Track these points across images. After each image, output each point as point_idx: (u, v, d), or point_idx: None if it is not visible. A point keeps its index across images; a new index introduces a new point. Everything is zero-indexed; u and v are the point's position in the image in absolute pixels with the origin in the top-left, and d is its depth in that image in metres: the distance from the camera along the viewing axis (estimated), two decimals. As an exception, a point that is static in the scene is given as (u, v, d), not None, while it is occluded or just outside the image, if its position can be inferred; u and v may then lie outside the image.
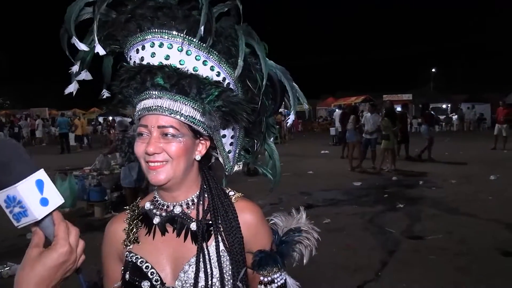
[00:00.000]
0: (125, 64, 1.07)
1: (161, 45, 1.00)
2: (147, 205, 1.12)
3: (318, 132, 29.26)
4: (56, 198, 0.76)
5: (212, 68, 1.03)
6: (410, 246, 5.30)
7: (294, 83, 1.19)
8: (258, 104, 1.12)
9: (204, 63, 1.02)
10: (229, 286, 1.04)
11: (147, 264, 1.05)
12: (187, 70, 1.01)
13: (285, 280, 1.14)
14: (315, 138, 23.68)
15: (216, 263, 1.03)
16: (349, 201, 7.91)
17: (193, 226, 1.06)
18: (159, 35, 1.00)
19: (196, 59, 1.01)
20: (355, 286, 4.18)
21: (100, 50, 1.03)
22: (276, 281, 1.11)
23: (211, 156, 1.18)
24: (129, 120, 8.47)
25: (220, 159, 1.17)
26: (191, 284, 1.02)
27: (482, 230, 5.77)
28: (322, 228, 1.23)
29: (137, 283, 1.04)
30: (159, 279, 1.03)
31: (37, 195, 0.73)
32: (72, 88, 1.11)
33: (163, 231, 1.07)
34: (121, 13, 1.02)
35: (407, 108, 15.29)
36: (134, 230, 1.09)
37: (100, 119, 32.28)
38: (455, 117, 29.92)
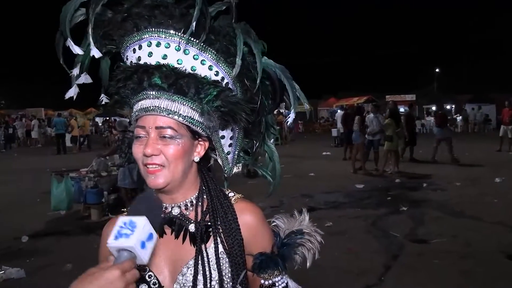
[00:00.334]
0: (122, 64, 1.07)
1: (158, 45, 1.00)
2: None
3: (320, 133, 29.26)
4: (147, 255, 0.85)
5: (210, 68, 1.03)
6: (414, 249, 5.30)
7: (294, 82, 1.18)
8: (257, 104, 1.13)
9: (202, 62, 1.02)
10: None
11: (144, 267, 1.04)
12: (185, 70, 1.01)
13: (287, 283, 1.13)
14: (317, 139, 23.68)
15: (215, 266, 1.03)
16: (352, 203, 7.90)
17: (192, 227, 1.06)
18: (156, 34, 1.00)
19: (194, 58, 1.01)
20: (358, 291, 4.18)
21: (95, 53, 1.03)
22: (277, 284, 1.10)
23: (210, 157, 1.17)
24: (128, 120, 8.48)
25: (219, 160, 1.17)
26: (190, 287, 1.02)
27: (487, 233, 5.77)
28: (324, 232, 1.22)
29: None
30: (156, 282, 1.03)
31: (145, 236, 0.84)
32: (73, 92, 1.12)
33: (161, 233, 1.06)
34: (117, 13, 1.02)
35: (413, 109, 15.28)
36: None
37: (97, 120, 32.28)
38: (459, 118, 29.91)
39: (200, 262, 1.03)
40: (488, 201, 7.61)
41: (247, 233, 1.08)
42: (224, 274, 1.04)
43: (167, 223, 1.07)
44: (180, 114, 1.00)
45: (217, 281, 1.02)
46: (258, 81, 1.07)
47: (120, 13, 1.02)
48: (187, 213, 1.08)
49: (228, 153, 1.17)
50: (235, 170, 1.22)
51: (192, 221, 1.07)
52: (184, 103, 1.01)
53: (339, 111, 19.24)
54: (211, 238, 1.06)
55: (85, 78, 1.11)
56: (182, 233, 1.06)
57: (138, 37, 1.01)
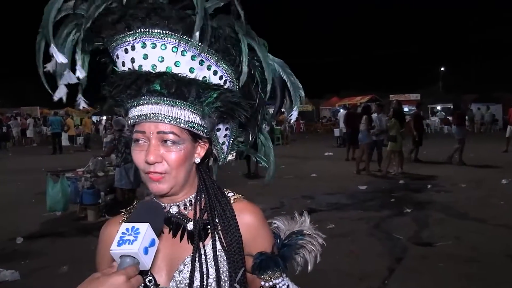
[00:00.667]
0: (115, 68, 1.05)
1: (153, 46, 0.98)
2: None
3: (322, 133, 29.27)
4: (150, 261, 0.88)
5: (209, 67, 1.03)
6: (418, 252, 5.30)
7: (294, 78, 1.17)
8: (255, 100, 1.13)
9: (201, 62, 1.01)
10: (226, 287, 1.04)
11: (146, 271, 1.05)
12: (186, 76, 0.99)
13: (288, 286, 1.13)
14: (318, 140, 23.69)
15: (213, 263, 1.03)
16: (354, 205, 7.90)
17: (190, 225, 1.07)
18: (151, 35, 0.97)
19: (192, 59, 1.00)
20: (360, 295, 4.18)
21: (80, 73, 1.02)
22: (278, 286, 1.10)
23: (210, 157, 1.18)
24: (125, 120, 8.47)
25: (214, 151, 1.17)
26: (186, 284, 1.02)
27: (492, 236, 5.77)
28: (326, 234, 1.22)
29: None
30: (152, 279, 1.03)
31: (148, 242, 0.87)
32: (62, 93, 1.06)
33: (159, 233, 1.07)
34: (109, 14, 0.98)
35: (421, 109, 15.27)
36: None
37: (94, 119, 32.30)
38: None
39: (197, 259, 1.03)
40: (494, 203, 7.61)
41: (247, 233, 1.08)
42: (221, 271, 1.04)
43: (165, 222, 1.07)
44: (182, 119, 0.99)
45: (214, 279, 1.03)
46: (268, 88, 1.08)
47: (112, 14, 0.98)
48: (186, 212, 1.09)
49: (223, 143, 1.18)
50: (229, 158, 1.23)
51: (190, 220, 1.07)
52: (185, 108, 1.00)
53: (341, 110, 19.24)
54: (209, 236, 1.06)
55: (69, 77, 1.05)
56: (179, 231, 1.07)
57: (131, 37, 0.98)
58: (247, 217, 1.10)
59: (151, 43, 0.98)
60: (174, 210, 1.09)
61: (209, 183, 1.12)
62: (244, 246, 1.08)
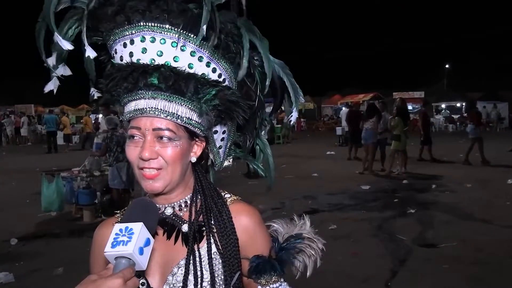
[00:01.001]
0: (114, 61, 1.05)
1: (153, 40, 0.98)
2: None
3: (323, 132, 29.28)
4: (145, 261, 0.88)
5: (208, 64, 1.03)
6: (422, 254, 5.30)
7: (293, 79, 1.18)
8: (255, 101, 1.13)
9: (200, 59, 1.01)
10: None
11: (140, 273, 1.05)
12: (184, 70, 1.00)
13: None
14: (320, 138, 23.69)
15: (207, 266, 1.03)
16: (357, 205, 7.91)
17: (185, 227, 1.06)
18: (150, 29, 0.98)
19: (191, 55, 1.01)
20: (363, 297, 4.19)
21: (90, 53, 1.02)
22: None
23: (207, 157, 1.18)
24: (120, 118, 8.47)
25: (210, 155, 1.18)
26: (180, 287, 1.02)
27: (498, 238, 5.77)
28: (328, 235, 1.23)
29: None
30: (145, 282, 1.03)
31: (142, 242, 0.87)
32: (53, 85, 1.08)
33: (153, 235, 1.07)
34: (108, 5, 1.00)
35: (427, 107, 15.26)
36: None
37: (92, 117, 32.23)
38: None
39: (191, 262, 1.03)
40: (500, 204, 7.61)
41: (243, 235, 1.08)
42: (216, 275, 1.03)
43: (159, 224, 1.07)
44: (179, 115, 1.00)
45: (209, 282, 1.02)
46: (267, 82, 1.08)
47: (111, 5, 0.99)
48: (181, 213, 1.09)
49: (220, 147, 1.18)
50: (226, 163, 1.23)
51: (185, 221, 1.07)
52: (182, 104, 1.00)
53: (344, 108, 19.25)
54: (204, 238, 1.06)
55: (63, 70, 1.08)
56: (174, 233, 1.07)
57: (130, 31, 0.99)
58: (244, 219, 1.09)
59: (151, 37, 0.98)
60: (169, 211, 1.08)
61: (205, 184, 1.12)
62: (241, 249, 1.07)
